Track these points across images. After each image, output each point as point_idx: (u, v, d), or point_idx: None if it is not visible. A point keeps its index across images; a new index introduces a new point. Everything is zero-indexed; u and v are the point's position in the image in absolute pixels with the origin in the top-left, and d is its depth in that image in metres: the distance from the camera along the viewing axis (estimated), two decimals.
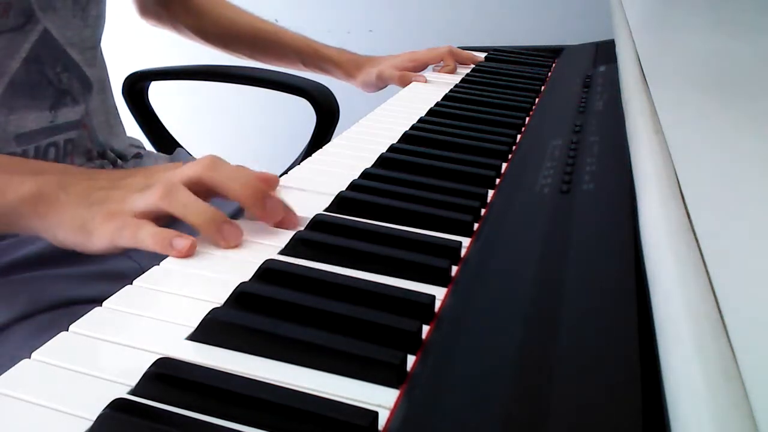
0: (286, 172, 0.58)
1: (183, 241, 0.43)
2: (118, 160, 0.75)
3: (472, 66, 1.05)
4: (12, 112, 0.62)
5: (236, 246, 0.44)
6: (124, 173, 0.49)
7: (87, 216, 0.45)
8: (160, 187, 0.44)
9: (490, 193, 0.55)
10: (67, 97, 0.67)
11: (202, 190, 0.45)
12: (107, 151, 0.74)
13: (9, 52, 0.61)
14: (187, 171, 0.46)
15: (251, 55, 1.03)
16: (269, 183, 0.50)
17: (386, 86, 1.03)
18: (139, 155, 0.80)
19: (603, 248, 0.43)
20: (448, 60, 1.02)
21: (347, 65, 1.02)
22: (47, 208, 0.46)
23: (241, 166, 0.48)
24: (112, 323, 0.36)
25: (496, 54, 1.11)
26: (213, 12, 0.99)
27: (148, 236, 0.43)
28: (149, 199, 0.44)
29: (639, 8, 0.82)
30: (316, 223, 0.47)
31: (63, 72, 0.66)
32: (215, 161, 0.46)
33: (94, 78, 0.71)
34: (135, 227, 0.43)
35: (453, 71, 1.02)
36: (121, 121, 0.80)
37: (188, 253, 0.43)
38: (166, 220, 0.45)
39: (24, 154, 0.63)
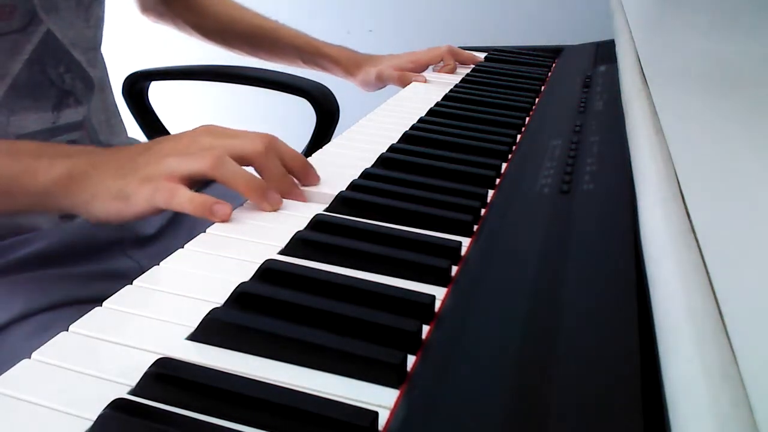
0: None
1: (224, 208, 0.46)
2: None
3: (472, 66, 1.05)
4: (13, 114, 0.62)
5: (278, 209, 0.49)
6: (149, 144, 0.51)
7: (122, 184, 0.47)
8: (209, 155, 0.47)
9: (490, 193, 0.55)
10: (70, 98, 0.67)
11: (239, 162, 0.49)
12: None
13: (12, 54, 0.61)
14: (237, 147, 0.48)
15: (251, 52, 1.03)
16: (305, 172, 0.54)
17: (385, 86, 1.03)
18: None
19: (603, 248, 0.43)
20: (448, 59, 1.02)
21: (347, 63, 1.02)
22: (80, 185, 0.48)
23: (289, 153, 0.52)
24: (112, 323, 0.36)
25: (496, 54, 1.11)
26: (213, 8, 0.99)
27: (186, 200, 0.46)
28: (194, 165, 0.46)
29: (639, 8, 0.82)
30: (316, 223, 0.47)
31: (66, 72, 0.66)
32: (269, 145, 0.50)
33: (96, 78, 0.71)
34: (172, 189, 0.46)
35: (453, 71, 1.02)
36: (121, 120, 0.80)
37: (227, 219, 0.47)
38: (196, 186, 0.47)
39: None
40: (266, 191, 0.48)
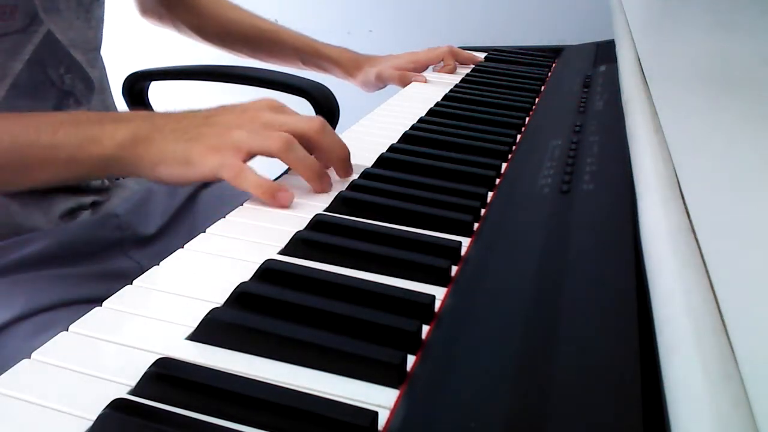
0: (286, 172, 0.58)
1: (287, 196, 0.49)
2: None
3: (472, 66, 1.05)
4: None
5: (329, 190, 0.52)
6: (209, 112, 0.53)
7: (187, 149, 0.49)
8: (278, 137, 0.49)
9: (490, 193, 0.55)
10: (70, 99, 0.67)
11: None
12: None
13: (13, 54, 0.61)
14: (300, 125, 0.51)
15: (251, 54, 1.03)
16: None
17: (385, 86, 1.03)
18: None
19: (603, 248, 0.43)
20: (448, 60, 1.02)
21: (347, 64, 1.02)
22: (145, 148, 0.50)
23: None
24: (112, 323, 0.36)
25: (496, 54, 1.11)
26: (213, 11, 0.99)
27: (251, 183, 0.48)
28: (264, 144, 0.49)
29: (639, 8, 0.82)
30: (316, 223, 0.47)
31: (66, 73, 0.66)
32: (325, 127, 0.53)
33: (96, 79, 0.71)
34: (240, 168, 0.48)
35: (453, 71, 1.02)
36: None
37: (287, 206, 0.49)
38: (249, 159, 0.50)
39: None
40: (323, 176, 0.52)
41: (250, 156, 0.49)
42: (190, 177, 0.50)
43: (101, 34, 0.73)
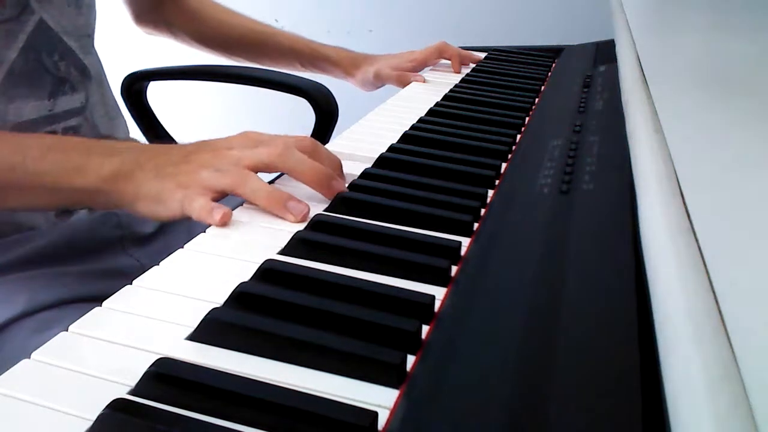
0: (280, 176, 0.58)
1: (219, 213, 0.47)
2: None
3: (472, 66, 1.05)
4: (11, 102, 0.62)
5: (300, 219, 0.49)
6: (191, 149, 0.53)
7: (160, 187, 0.50)
8: (229, 174, 0.49)
9: (490, 193, 0.55)
10: (65, 85, 0.67)
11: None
12: None
13: (6, 42, 0.61)
14: (258, 156, 0.50)
15: (249, 58, 1.03)
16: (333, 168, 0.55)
17: (384, 85, 1.03)
18: None
19: (603, 248, 0.43)
20: (454, 64, 1.03)
21: (345, 63, 1.02)
22: (125, 184, 0.51)
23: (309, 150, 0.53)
24: (112, 323, 0.36)
25: (496, 54, 1.11)
26: (209, 16, 0.99)
27: (197, 209, 0.48)
28: (221, 182, 0.49)
29: (639, 8, 0.82)
30: (316, 223, 0.47)
31: (60, 60, 0.66)
32: (289, 150, 0.51)
33: (91, 66, 0.71)
34: (207, 208, 0.48)
35: (458, 71, 1.02)
36: (121, 114, 0.80)
37: (224, 225, 0.47)
38: (223, 196, 0.50)
39: None
40: (287, 202, 0.49)
41: (220, 194, 0.49)
42: (162, 215, 0.50)
43: (93, 21, 0.73)
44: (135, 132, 1.00)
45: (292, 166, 0.51)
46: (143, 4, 0.94)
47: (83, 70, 0.70)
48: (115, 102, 0.79)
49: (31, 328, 0.57)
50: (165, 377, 0.30)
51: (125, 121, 0.81)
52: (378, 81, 1.01)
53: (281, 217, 0.49)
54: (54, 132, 0.66)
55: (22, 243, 0.62)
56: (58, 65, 0.66)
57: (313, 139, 0.53)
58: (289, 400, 0.29)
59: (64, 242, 0.64)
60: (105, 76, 0.76)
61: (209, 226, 0.47)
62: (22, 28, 0.62)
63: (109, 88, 0.77)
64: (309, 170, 0.51)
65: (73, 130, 0.69)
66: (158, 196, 0.50)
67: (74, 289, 0.61)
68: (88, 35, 0.72)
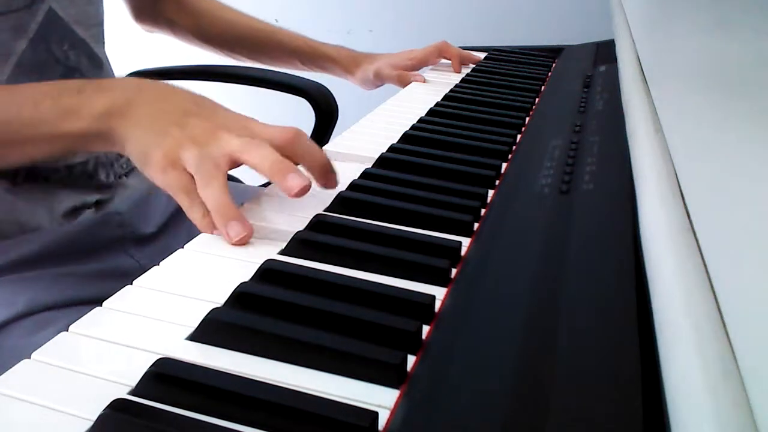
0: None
1: (208, 222, 0.46)
2: None
3: (472, 66, 1.05)
4: None
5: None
6: (189, 107, 0.51)
7: (150, 144, 0.48)
8: (211, 171, 0.46)
9: (490, 193, 0.55)
10: (75, 74, 0.67)
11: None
12: None
13: (17, 32, 0.61)
14: (236, 152, 0.47)
15: (249, 56, 1.03)
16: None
17: (384, 84, 1.03)
18: None
19: (603, 248, 0.43)
20: (454, 64, 1.03)
21: (345, 62, 1.02)
22: (118, 122, 0.49)
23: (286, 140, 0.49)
24: (112, 323, 0.36)
25: (496, 54, 1.11)
26: (209, 13, 0.99)
27: (198, 217, 0.46)
28: (197, 167, 0.46)
29: (639, 8, 0.82)
30: (316, 223, 0.47)
31: (70, 50, 0.66)
32: (260, 145, 0.47)
33: (102, 56, 0.71)
34: (185, 195, 0.46)
35: (458, 71, 1.02)
36: None
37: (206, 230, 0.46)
38: None
39: None
40: (228, 221, 0.45)
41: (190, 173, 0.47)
42: (144, 172, 0.49)
43: (102, 10, 0.73)
44: None
45: (256, 163, 0.47)
46: (143, 1, 0.94)
47: (94, 60, 0.69)
48: None
49: (31, 328, 0.57)
50: (165, 377, 0.30)
51: None
52: (378, 80, 1.01)
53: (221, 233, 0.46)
54: None
55: (24, 243, 0.62)
56: (68, 54, 0.66)
57: (297, 132, 0.50)
58: (289, 400, 0.29)
59: (65, 243, 0.64)
60: (112, 70, 0.76)
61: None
62: (33, 18, 0.62)
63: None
64: (267, 162, 0.47)
65: None
66: (144, 154, 0.48)
67: (74, 290, 0.61)
68: (98, 24, 0.71)
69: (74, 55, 0.66)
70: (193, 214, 0.46)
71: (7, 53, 0.60)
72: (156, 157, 0.48)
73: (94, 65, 0.70)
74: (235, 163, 0.48)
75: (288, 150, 0.48)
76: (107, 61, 0.74)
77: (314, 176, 0.50)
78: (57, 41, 0.64)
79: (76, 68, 0.67)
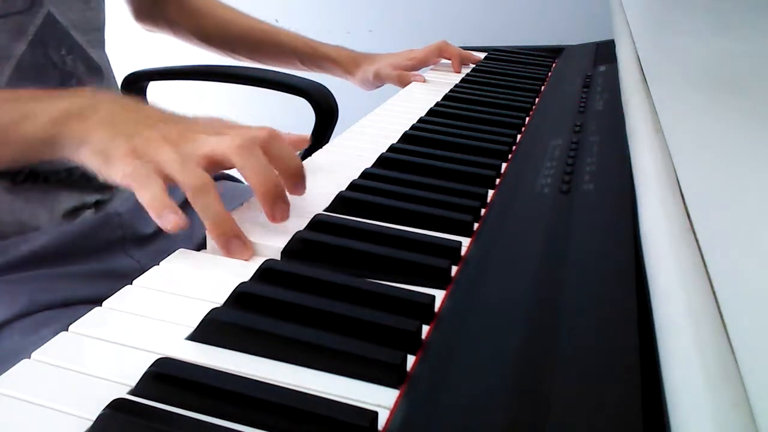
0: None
1: (173, 218, 0.42)
2: None
3: (472, 66, 1.05)
4: None
5: (245, 259, 0.44)
6: (154, 114, 0.49)
7: (111, 144, 0.45)
8: (191, 170, 0.43)
9: (490, 193, 0.55)
10: (72, 80, 0.67)
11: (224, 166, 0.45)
12: None
13: (16, 35, 0.61)
14: (220, 147, 0.44)
15: (249, 56, 1.03)
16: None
17: (384, 84, 1.03)
18: None
19: (603, 248, 0.43)
20: (454, 64, 1.03)
21: (345, 62, 1.02)
22: (75, 125, 0.47)
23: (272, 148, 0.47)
24: (112, 323, 0.36)
25: (496, 54, 1.11)
26: (210, 14, 0.99)
27: (148, 197, 0.42)
28: (173, 168, 0.43)
29: (639, 8, 0.82)
30: (316, 223, 0.47)
31: (68, 54, 0.66)
32: (250, 147, 0.44)
33: (100, 61, 0.71)
34: (148, 184, 0.43)
35: (458, 70, 1.02)
36: None
37: (172, 229, 0.42)
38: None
39: None
40: (230, 238, 0.43)
41: (171, 182, 0.44)
42: (105, 176, 0.45)
43: (103, 15, 0.73)
44: None
45: (245, 165, 0.44)
46: (144, 1, 0.95)
47: (91, 65, 0.69)
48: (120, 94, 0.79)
49: (31, 328, 0.57)
50: (165, 377, 0.30)
51: None
52: (378, 80, 1.01)
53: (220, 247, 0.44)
54: None
55: (23, 243, 0.62)
56: (66, 59, 0.66)
57: (272, 132, 0.47)
58: (289, 400, 0.29)
59: (65, 242, 0.64)
60: (112, 72, 0.76)
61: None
62: (32, 21, 0.62)
63: (116, 83, 0.78)
64: (261, 178, 0.44)
65: None
66: (106, 153, 0.45)
67: (74, 290, 0.61)
68: (97, 29, 0.71)
69: (71, 60, 0.67)
70: (161, 217, 0.42)
71: (6, 56, 0.61)
72: (120, 151, 0.44)
73: (92, 71, 0.70)
74: (218, 165, 0.45)
75: (263, 150, 0.45)
76: (108, 66, 0.74)
77: (284, 180, 0.47)
78: (55, 46, 0.65)
79: (73, 73, 0.67)
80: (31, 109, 0.49)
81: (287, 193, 0.47)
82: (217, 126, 0.48)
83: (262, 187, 0.44)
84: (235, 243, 0.43)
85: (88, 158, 0.46)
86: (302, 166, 0.48)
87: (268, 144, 0.46)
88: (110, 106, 0.48)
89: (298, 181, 0.48)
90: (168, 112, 0.49)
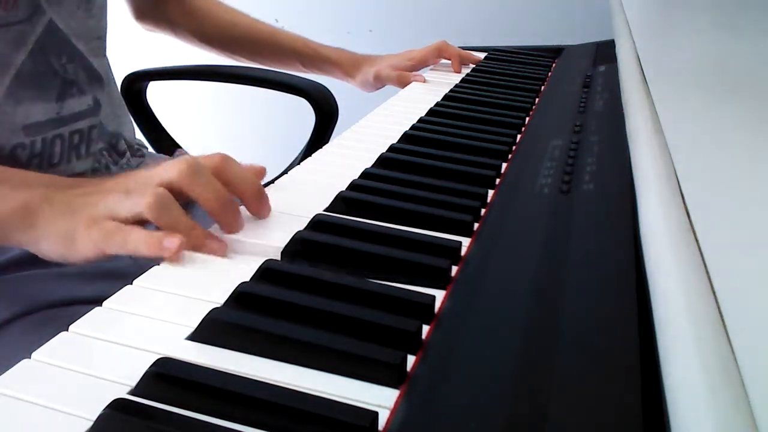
0: (285, 172, 0.58)
1: (172, 240, 0.42)
2: (127, 152, 0.75)
3: (472, 66, 1.05)
4: (19, 104, 0.62)
5: (220, 255, 0.44)
6: (105, 179, 0.48)
7: (70, 226, 0.44)
8: (146, 195, 0.43)
9: (490, 193, 0.55)
10: (73, 88, 0.67)
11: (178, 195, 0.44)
12: (119, 142, 0.74)
13: (17, 44, 0.61)
14: (167, 175, 0.44)
15: (250, 57, 1.03)
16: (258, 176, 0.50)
17: (384, 86, 1.03)
18: (142, 155, 0.80)
19: (603, 248, 0.43)
20: (454, 64, 1.03)
21: (346, 65, 1.02)
22: (33, 220, 0.46)
23: (223, 164, 0.46)
24: (112, 323, 0.36)
25: (496, 54, 1.11)
26: (211, 15, 0.99)
27: (141, 242, 0.42)
28: (124, 204, 0.43)
29: (639, 8, 0.82)
30: (316, 223, 0.47)
31: (68, 63, 0.66)
32: (196, 168, 0.44)
33: (101, 69, 0.71)
34: (124, 233, 0.42)
35: (458, 71, 1.02)
36: (127, 112, 0.80)
37: (179, 251, 0.42)
38: (145, 222, 0.44)
39: (32, 146, 0.63)
40: (204, 238, 0.43)
41: (132, 220, 0.43)
42: (74, 258, 0.44)
43: (105, 23, 0.73)
44: (136, 132, 1.00)
45: (192, 187, 0.44)
46: (145, 1, 0.95)
47: (92, 73, 0.69)
48: (121, 101, 0.79)
49: (30, 328, 0.57)
50: (165, 377, 0.30)
51: (131, 119, 0.81)
52: (378, 82, 1.01)
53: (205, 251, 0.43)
54: (61, 135, 0.66)
55: None
56: (66, 68, 0.66)
57: (224, 156, 0.46)
58: (289, 400, 0.29)
59: None
60: (113, 76, 0.76)
61: (212, 225, 0.47)
62: (33, 30, 0.62)
63: (116, 86, 0.78)
64: (211, 197, 0.44)
65: (80, 134, 0.69)
66: (68, 237, 0.44)
67: (74, 290, 0.61)
68: (99, 37, 0.71)
69: (72, 68, 0.67)
70: (161, 248, 0.41)
71: (6, 65, 0.61)
72: (80, 226, 0.43)
73: (92, 79, 0.70)
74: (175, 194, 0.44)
75: (218, 176, 0.45)
76: (109, 73, 0.74)
77: (245, 203, 0.47)
78: (55, 54, 0.65)
79: (74, 81, 0.67)
80: None
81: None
82: (165, 165, 0.46)
83: (209, 203, 0.44)
84: (209, 246, 0.43)
85: (50, 249, 0.45)
86: (261, 188, 0.48)
87: (221, 168, 0.45)
88: (67, 189, 0.47)
89: (258, 201, 0.48)
90: (106, 178, 0.48)
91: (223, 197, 0.45)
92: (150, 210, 0.42)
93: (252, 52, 1.02)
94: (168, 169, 0.44)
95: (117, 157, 0.74)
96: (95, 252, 0.43)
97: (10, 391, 0.30)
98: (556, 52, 1.13)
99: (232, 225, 0.46)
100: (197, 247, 0.43)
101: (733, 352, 0.21)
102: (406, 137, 0.68)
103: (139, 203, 0.42)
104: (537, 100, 0.85)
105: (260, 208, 0.48)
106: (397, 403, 0.30)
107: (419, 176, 0.56)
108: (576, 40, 1.20)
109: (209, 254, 0.43)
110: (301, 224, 0.47)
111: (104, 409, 0.28)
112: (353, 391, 0.31)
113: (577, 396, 0.29)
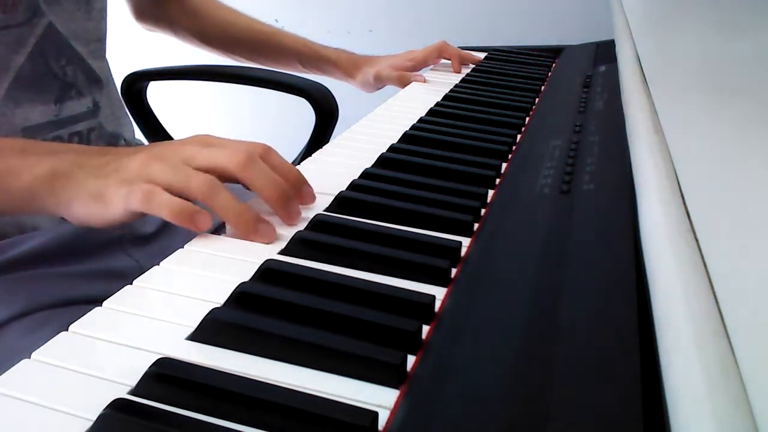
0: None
1: (205, 219, 0.43)
2: None
3: (472, 66, 1.05)
4: (18, 106, 0.62)
5: (270, 241, 0.45)
6: (139, 149, 0.48)
7: (101, 185, 0.45)
8: (202, 180, 0.43)
9: (490, 193, 0.55)
10: (72, 90, 0.67)
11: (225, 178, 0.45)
12: (119, 142, 0.74)
13: (16, 47, 0.61)
14: (214, 158, 0.45)
15: (250, 57, 1.03)
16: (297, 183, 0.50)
17: (384, 86, 1.03)
18: None
19: (603, 248, 0.43)
20: (454, 64, 1.03)
21: (346, 65, 1.02)
22: (63, 184, 0.46)
23: (270, 161, 0.48)
24: (113, 323, 0.36)
25: (496, 54, 1.11)
26: (211, 14, 0.99)
27: (164, 205, 0.42)
28: (185, 183, 0.43)
29: (639, 8, 0.82)
30: (316, 223, 0.47)
31: (68, 65, 0.66)
32: (254, 160, 0.46)
33: (100, 71, 0.71)
34: (150, 192, 0.43)
35: (458, 71, 1.02)
36: (126, 113, 0.80)
37: (204, 228, 0.43)
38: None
39: None
40: (255, 224, 0.45)
41: (173, 193, 0.44)
42: (104, 217, 0.45)
43: (104, 25, 0.73)
44: (136, 132, 1.00)
45: (253, 177, 0.45)
46: (145, 1, 0.95)
47: (91, 75, 0.69)
48: (121, 101, 0.79)
49: (30, 328, 0.57)
50: (165, 377, 0.30)
51: (130, 119, 0.81)
52: (378, 82, 1.01)
53: (246, 238, 0.45)
54: (60, 137, 0.66)
55: (24, 243, 0.62)
56: (66, 70, 0.66)
57: (267, 145, 0.48)
58: (289, 400, 0.29)
59: (64, 243, 0.64)
60: (112, 77, 0.77)
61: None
62: (32, 32, 0.62)
63: (115, 87, 0.78)
64: (271, 187, 0.46)
65: (79, 136, 0.69)
66: (98, 194, 0.44)
67: (74, 290, 0.61)
68: (98, 40, 0.71)
69: (71, 70, 0.67)
70: (191, 221, 0.43)
71: (5, 67, 0.61)
72: (113, 186, 0.44)
73: (91, 81, 0.70)
74: (217, 177, 0.45)
75: (236, 178, 0.46)
76: (109, 75, 0.74)
77: (291, 190, 0.48)
78: (55, 56, 0.65)
79: (73, 83, 0.67)
80: (14, 165, 0.48)
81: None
82: (202, 141, 0.48)
83: (275, 194, 0.46)
84: (261, 228, 0.45)
85: (81, 208, 0.46)
86: (303, 176, 0.50)
87: (266, 157, 0.47)
88: (95, 158, 0.48)
89: (303, 187, 0.50)
90: (150, 144, 0.49)
91: (282, 187, 0.46)
92: (198, 192, 0.43)
93: (252, 52, 1.02)
94: (216, 153, 0.45)
95: None
96: (123, 210, 0.44)
97: (10, 391, 0.30)
98: (556, 52, 1.13)
99: (293, 215, 0.47)
100: (248, 232, 0.44)
101: (733, 352, 0.21)
102: (406, 137, 0.68)
103: (185, 182, 0.43)
104: (537, 100, 0.85)
105: (305, 196, 0.50)
106: (397, 403, 0.30)
107: (419, 176, 0.56)
108: (576, 40, 1.20)
109: (259, 241, 0.44)
110: (301, 224, 0.47)
111: (104, 409, 0.28)
112: (353, 391, 0.31)
113: (577, 395, 0.29)
